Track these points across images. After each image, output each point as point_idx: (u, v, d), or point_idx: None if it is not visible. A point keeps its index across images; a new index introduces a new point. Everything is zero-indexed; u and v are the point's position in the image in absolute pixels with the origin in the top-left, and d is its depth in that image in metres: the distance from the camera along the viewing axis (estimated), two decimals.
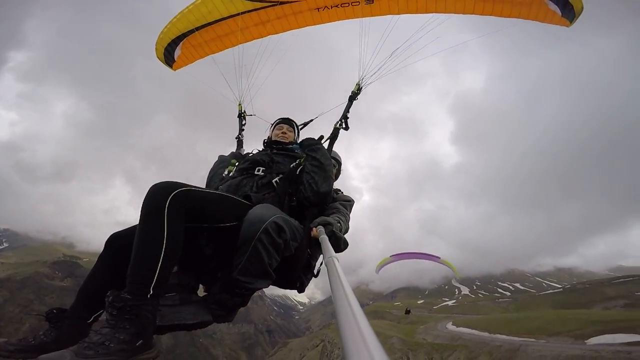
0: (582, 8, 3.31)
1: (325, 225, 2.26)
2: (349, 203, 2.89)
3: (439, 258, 19.83)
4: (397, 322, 58.27)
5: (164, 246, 1.56)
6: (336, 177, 3.29)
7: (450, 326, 38.09)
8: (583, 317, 28.42)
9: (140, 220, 1.64)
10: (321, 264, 2.45)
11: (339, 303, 0.83)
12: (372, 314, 72.28)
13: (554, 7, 3.38)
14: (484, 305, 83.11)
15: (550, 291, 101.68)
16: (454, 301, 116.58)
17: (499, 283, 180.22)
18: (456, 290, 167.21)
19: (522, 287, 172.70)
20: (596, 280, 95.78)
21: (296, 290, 2.42)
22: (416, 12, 3.82)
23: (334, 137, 3.09)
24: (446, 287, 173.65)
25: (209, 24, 3.99)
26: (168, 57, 4.35)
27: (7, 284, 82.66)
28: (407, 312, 50.51)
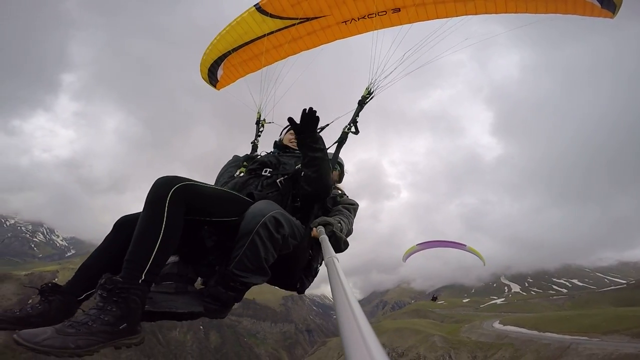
0: None
1: (325, 225, 2.26)
2: (352, 206, 2.89)
3: (465, 246, 19.39)
4: (440, 321, 56.77)
5: (160, 236, 1.62)
6: (339, 180, 3.34)
7: (496, 324, 36.55)
8: None
9: (143, 209, 1.72)
10: (320, 264, 2.47)
11: (339, 303, 0.84)
12: (414, 313, 70.71)
13: None
14: (536, 303, 78.02)
15: (612, 287, 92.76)
16: (502, 299, 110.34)
17: (554, 279, 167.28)
18: (506, 288, 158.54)
19: (581, 284, 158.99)
20: None
21: (296, 292, 2.43)
22: (446, 17, 3.73)
23: (342, 140, 3.16)
24: (494, 284, 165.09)
25: (246, 43, 4.16)
26: (212, 77, 4.54)
27: None
28: (434, 299, 49.02)
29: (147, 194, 1.73)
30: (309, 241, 2.25)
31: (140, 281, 1.55)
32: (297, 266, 2.28)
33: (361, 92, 3.45)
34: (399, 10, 3.78)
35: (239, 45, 4.16)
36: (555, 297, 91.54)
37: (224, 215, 1.96)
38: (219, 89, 4.71)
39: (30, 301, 1.77)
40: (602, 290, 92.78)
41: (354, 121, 3.22)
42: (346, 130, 3.18)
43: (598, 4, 3.21)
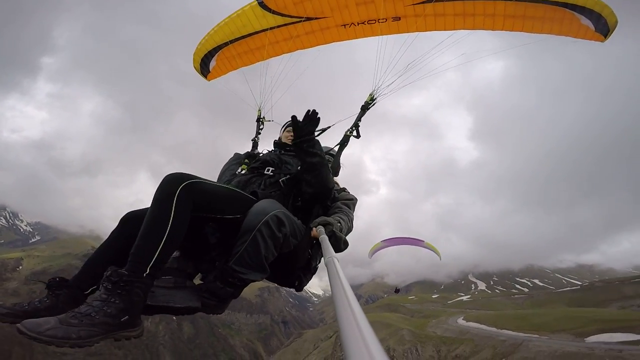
0: (617, 22, 3.22)
1: (325, 225, 2.26)
2: (351, 202, 2.90)
3: (423, 242, 20.76)
4: (410, 315, 59.49)
5: (167, 231, 1.66)
6: (335, 174, 3.33)
7: (460, 321, 39.25)
8: (588, 315, 29.05)
9: (151, 205, 1.75)
10: (319, 262, 2.50)
11: (339, 303, 0.84)
12: (386, 307, 73.52)
13: (586, 22, 3.28)
14: (499, 302, 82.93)
15: (568, 288, 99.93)
16: (469, 296, 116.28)
17: (517, 279, 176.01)
18: (472, 285, 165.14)
19: (541, 284, 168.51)
20: (615, 279, 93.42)
21: (294, 289, 2.48)
22: (444, 29, 3.80)
23: (343, 143, 3.27)
24: (462, 281, 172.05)
25: (243, 37, 4.14)
26: (204, 68, 4.47)
27: (42, 277, 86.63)
28: (397, 291, 51.39)
29: (155, 190, 1.78)
30: (309, 240, 2.26)
31: (144, 275, 1.60)
32: (296, 264, 2.30)
33: (364, 96, 3.52)
34: (399, 19, 3.83)
35: (236, 38, 4.14)
36: (516, 295, 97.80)
37: (229, 213, 2.01)
38: (209, 80, 4.67)
39: (36, 299, 1.85)
40: (559, 290, 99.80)
41: (356, 125, 3.33)
42: (348, 133, 3.30)
43: (592, 28, 3.28)
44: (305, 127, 2.38)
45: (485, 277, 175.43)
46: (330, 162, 2.96)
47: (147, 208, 1.88)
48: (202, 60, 4.36)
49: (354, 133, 3.32)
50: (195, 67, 4.49)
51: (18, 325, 1.34)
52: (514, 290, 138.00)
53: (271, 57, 4.27)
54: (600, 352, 18.41)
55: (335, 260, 1.26)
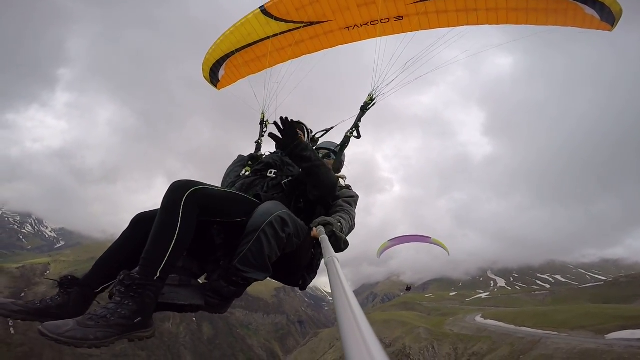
0: (621, 10, 3.20)
1: (325, 225, 2.28)
2: (352, 199, 2.91)
3: (430, 238, 20.66)
4: (427, 313, 58.99)
5: (175, 236, 1.74)
6: (338, 170, 3.36)
7: (478, 318, 38.81)
8: (610, 312, 28.27)
9: (159, 211, 1.83)
10: (320, 261, 2.51)
11: (339, 303, 0.85)
12: (402, 306, 73.11)
13: (590, 12, 3.27)
14: (518, 298, 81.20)
15: (591, 284, 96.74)
16: (487, 293, 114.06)
17: (538, 275, 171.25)
18: (492, 282, 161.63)
19: (563, 280, 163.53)
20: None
21: (298, 288, 2.52)
22: (447, 26, 3.79)
23: (344, 144, 3.32)
24: (481, 278, 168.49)
25: (249, 45, 4.20)
26: (213, 77, 4.56)
27: None
28: (408, 289, 50.78)
29: (162, 197, 1.86)
30: (311, 241, 2.30)
31: (155, 278, 1.68)
32: (300, 264, 2.36)
33: (364, 97, 3.56)
34: (402, 18, 3.84)
35: (242, 47, 4.21)
36: (537, 292, 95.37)
37: (234, 216, 2.09)
38: (219, 89, 4.76)
39: (48, 297, 1.91)
40: (582, 286, 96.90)
41: (356, 126, 3.38)
42: (348, 134, 3.35)
43: (598, 17, 3.26)
44: (285, 137, 2.40)
45: (504, 273, 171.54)
46: (332, 158, 2.96)
47: (156, 210, 1.96)
48: (211, 69, 4.47)
49: (355, 133, 3.35)
50: (205, 77, 4.59)
51: (39, 327, 1.42)
52: (535, 287, 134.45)
53: (277, 63, 4.33)
54: (620, 349, 18.05)
55: (336, 260, 1.27)
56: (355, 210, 2.84)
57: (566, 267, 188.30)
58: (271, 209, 2.07)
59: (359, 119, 3.42)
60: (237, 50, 4.24)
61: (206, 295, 1.97)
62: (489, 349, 25.94)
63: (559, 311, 33.00)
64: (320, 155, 2.95)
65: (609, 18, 3.24)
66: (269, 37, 4.10)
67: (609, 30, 3.39)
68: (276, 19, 3.94)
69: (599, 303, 51.77)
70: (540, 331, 25.99)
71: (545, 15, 3.45)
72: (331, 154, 3.32)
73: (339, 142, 3.42)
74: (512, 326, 29.98)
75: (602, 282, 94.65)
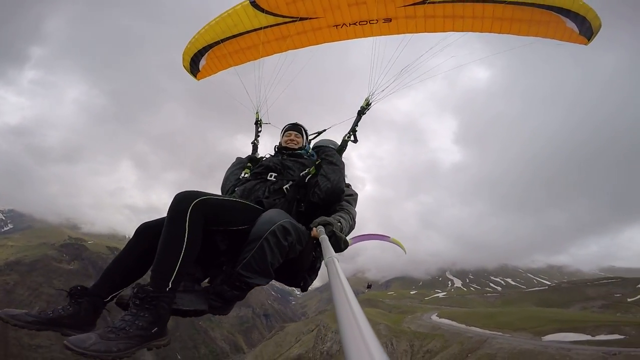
0: (600, 25, 3.32)
1: (325, 225, 2.30)
2: (352, 197, 2.94)
3: (389, 237, 21.79)
4: (388, 311, 61.75)
5: (183, 248, 1.82)
6: None
7: (434, 317, 41.68)
8: (549, 315, 31.87)
9: (165, 223, 1.89)
10: (320, 262, 2.53)
11: (339, 303, 0.85)
12: (366, 302, 75.63)
13: (571, 25, 3.38)
14: (472, 299, 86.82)
15: (537, 288, 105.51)
16: (445, 293, 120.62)
17: (492, 277, 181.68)
18: (449, 282, 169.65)
19: (513, 283, 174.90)
20: (580, 281, 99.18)
21: (300, 289, 2.55)
22: (434, 31, 3.86)
23: (342, 148, 3.29)
24: (440, 278, 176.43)
25: (234, 36, 4.12)
26: (193, 67, 4.43)
27: (17, 267, 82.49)
28: (369, 287, 52.97)
29: (168, 208, 1.93)
30: (312, 244, 2.35)
31: (167, 290, 1.75)
32: (302, 267, 2.41)
33: (357, 97, 3.61)
34: (390, 20, 3.88)
35: (227, 37, 4.14)
36: (489, 294, 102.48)
37: (238, 224, 2.17)
38: (198, 79, 4.67)
39: (60, 307, 1.97)
40: (529, 290, 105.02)
41: (353, 130, 3.38)
42: (346, 138, 3.35)
43: (577, 31, 3.39)
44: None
45: (461, 274, 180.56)
46: (332, 158, 2.89)
47: (160, 219, 2.09)
48: (191, 59, 4.35)
49: (352, 138, 3.36)
50: (184, 67, 4.48)
51: (65, 342, 1.50)
52: (488, 289, 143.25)
53: (262, 56, 4.26)
54: (552, 350, 20.72)
55: (335, 260, 1.30)
56: (355, 209, 2.88)
57: (517, 271, 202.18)
58: (274, 217, 2.14)
59: (356, 124, 3.42)
60: (222, 41, 4.16)
61: (209, 299, 2.07)
62: (442, 347, 28.27)
63: (504, 313, 36.44)
64: (329, 152, 2.94)
65: (587, 32, 3.39)
66: (255, 30, 4.06)
67: (585, 44, 3.53)
68: (265, 12, 3.92)
69: (542, 306, 56.98)
70: (487, 331, 28.74)
71: (527, 26, 3.58)
72: (331, 148, 3.23)
73: (337, 142, 3.44)
74: (463, 326, 32.72)
75: (547, 287, 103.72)
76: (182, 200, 1.93)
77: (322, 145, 3.20)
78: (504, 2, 3.46)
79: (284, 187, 2.68)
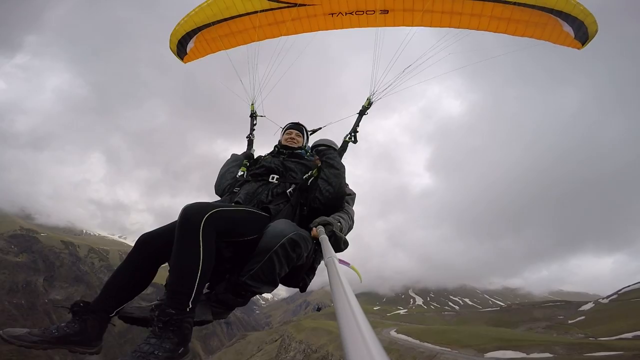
0: (597, 31, 3.30)
1: (325, 225, 2.29)
2: (351, 197, 2.92)
3: (349, 264, 23.53)
4: None
5: (200, 265, 1.80)
6: None
7: (392, 332, 43.66)
8: (493, 334, 34.88)
9: (177, 240, 1.85)
10: (319, 263, 2.55)
11: (339, 303, 0.85)
12: (332, 315, 76.26)
13: (568, 29, 3.36)
14: (431, 317, 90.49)
15: (490, 309, 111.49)
16: (406, 310, 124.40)
17: (451, 297, 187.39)
18: (411, 300, 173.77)
19: (470, 303, 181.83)
20: (529, 303, 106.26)
21: (299, 289, 2.56)
22: (430, 26, 3.81)
23: (343, 149, 3.20)
24: (402, 296, 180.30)
25: (225, 19, 4.00)
26: (180, 49, 4.29)
27: None
28: (318, 309, 54.34)
29: (178, 223, 1.89)
30: (312, 247, 2.34)
31: (188, 310, 1.77)
32: (302, 269, 2.42)
33: (355, 93, 5.14)
34: (387, 12, 3.80)
35: (217, 21, 4.02)
36: (446, 312, 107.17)
37: (248, 235, 2.18)
38: (185, 62, 4.53)
39: (63, 324, 1.94)
40: (483, 310, 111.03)
41: (354, 131, 3.29)
42: (347, 139, 3.26)
43: (572, 34, 3.37)
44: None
45: (423, 293, 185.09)
46: (333, 161, 2.78)
47: (162, 228, 2.10)
48: (179, 41, 4.22)
49: (352, 139, 3.28)
50: (171, 48, 4.34)
51: None
52: (447, 307, 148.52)
53: (254, 41, 4.16)
54: None
55: (335, 261, 1.32)
56: (353, 208, 2.90)
57: (474, 292, 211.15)
58: (284, 230, 2.14)
59: (357, 124, 3.34)
60: (212, 24, 4.05)
61: (212, 306, 2.08)
62: None
63: (455, 331, 39.26)
64: (330, 155, 2.84)
65: (583, 37, 3.38)
66: (249, 14, 3.96)
67: (579, 49, 3.53)
68: None
69: (493, 325, 60.87)
70: (437, 347, 31.02)
71: (524, 27, 3.57)
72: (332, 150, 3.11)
73: (336, 142, 3.40)
74: (417, 341, 34.88)
75: (499, 308, 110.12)
76: (194, 215, 1.89)
77: (322, 146, 3.19)
78: (505, 2, 3.44)
79: (287, 192, 2.66)
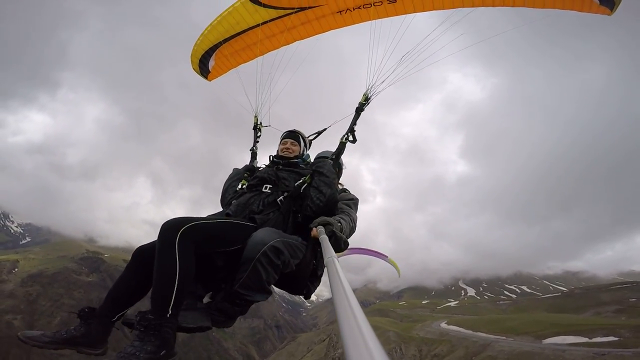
0: None
1: (325, 225, 2.31)
2: (352, 201, 2.93)
3: (387, 257, 21.20)
4: (399, 320, 62.21)
5: (177, 276, 1.91)
6: (338, 177, 3.25)
7: (443, 324, 42.55)
8: (551, 319, 32.77)
9: (157, 252, 1.99)
10: (323, 270, 2.53)
11: (339, 303, 0.86)
12: (377, 312, 76.07)
13: None
14: (484, 307, 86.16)
15: (551, 295, 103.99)
16: (457, 302, 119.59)
17: (506, 285, 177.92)
18: (462, 291, 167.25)
19: (529, 290, 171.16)
20: (595, 286, 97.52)
21: (303, 297, 2.64)
22: (442, 8, 3.63)
23: (340, 151, 3.11)
24: (452, 288, 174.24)
25: (238, 34, 4.10)
26: (203, 68, 4.43)
27: (39, 279, 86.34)
28: None
29: (157, 238, 2.03)
30: (313, 253, 2.43)
31: (168, 315, 1.88)
32: (303, 276, 2.48)
33: (357, 96, 3.34)
34: (395, 0, 3.73)
35: (231, 36, 4.12)
36: (501, 302, 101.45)
37: (230, 245, 2.26)
38: (210, 80, 4.65)
39: (72, 327, 2.14)
40: (542, 296, 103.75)
41: (351, 130, 3.13)
42: (344, 140, 3.12)
43: (597, 1, 3.19)
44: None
45: (475, 283, 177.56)
46: (322, 169, 2.80)
47: (152, 242, 2.19)
48: (200, 61, 4.37)
49: (350, 138, 3.14)
50: (194, 69, 4.49)
51: None
52: (502, 297, 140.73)
53: (269, 51, 4.22)
54: (549, 352, 21.93)
55: (336, 261, 1.31)
56: (356, 213, 2.87)
57: (532, 278, 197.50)
58: (264, 238, 2.19)
59: (354, 122, 3.18)
60: (226, 40, 4.16)
61: (212, 315, 2.17)
62: (448, 351, 29.46)
63: (510, 319, 37.36)
64: (320, 163, 2.85)
65: (609, 2, 3.18)
66: (258, 25, 4.01)
67: (609, 15, 3.30)
68: (265, 5, 3.86)
69: (555, 312, 56.78)
70: (492, 336, 29.87)
71: None
72: (323, 159, 3.14)
73: (333, 150, 3.29)
74: (470, 331, 33.78)
75: (560, 293, 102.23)
76: (169, 230, 2.00)
77: (318, 158, 3.23)
78: None
79: (278, 200, 2.68)
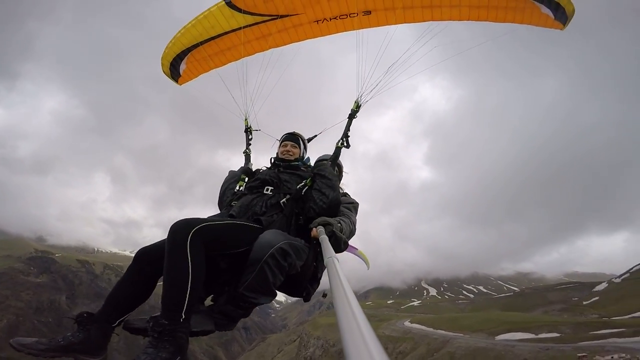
0: (574, 10, 3.42)
1: (325, 225, 2.33)
2: (352, 205, 2.98)
3: (357, 249, 22.75)
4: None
5: (190, 278, 1.86)
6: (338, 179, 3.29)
7: (406, 323, 44.83)
8: (503, 317, 36.04)
9: (166, 255, 1.93)
10: (322, 272, 2.56)
11: (339, 303, 0.86)
12: None
13: (546, 11, 3.47)
14: (444, 307, 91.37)
15: (504, 294, 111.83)
16: (419, 302, 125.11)
17: (465, 285, 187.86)
18: (425, 291, 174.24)
19: (485, 290, 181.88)
20: (543, 286, 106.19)
21: (302, 299, 2.62)
22: (413, 22, 3.88)
23: (336, 156, 3.21)
24: (416, 288, 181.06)
25: (212, 38, 4.04)
26: (174, 71, 4.35)
27: None
28: (324, 295, 54.81)
29: (167, 239, 1.98)
30: (314, 255, 2.43)
31: (181, 320, 1.83)
32: (303, 279, 2.49)
33: (347, 100, 3.52)
34: (370, 13, 3.87)
35: (204, 40, 4.06)
36: (460, 301, 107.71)
37: (238, 247, 2.24)
38: (180, 84, 4.56)
39: (69, 333, 2.01)
40: (496, 296, 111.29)
41: (345, 135, 3.28)
42: (339, 145, 3.23)
43: (552, 16, 3.48)
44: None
45: (436, 283, 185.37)
46: (324, 172, 2.84)
47: (158, 243, 2.21)
48: (171, 64, 4.27)
49: (345, 144, 3.26)
50: (164, 72, 4.39)
51: None
52: (461, 296, 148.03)
53: (243, 56, 4.17)
54: (500, 347, 24.41)
55: (335, 261, 1.32)
56: (356, 217, 2.93)
57: (488, 279, 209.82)
58: (272, 240, 2.19)
59: (347, 129, 3.33)
60: (200, 44, 4.09)
61: (215, 318, 2.17)
62: (412, 348, 31.48)
63: (467, 317, 40.46)
64: (321, 166, 2.92)
65: (562, 17, 3.46)
66: (234, 30, 3.99)
67: (561, 29, 3.61)
68: (242, 11, 3.84)
69: (507, 311, 61.53)
70: (451, 333, 32.30)
71: (504, 13, 3.65)
72: (324, 162, 3.16)
73: (323, 150, 3.38)
74: (431, 329, 36.15)
75: (512, 293, 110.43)
76: (180, 231, 1.97)
77: (318, 161, 3.23)
78: None
79: (281, 202, 2.68)
